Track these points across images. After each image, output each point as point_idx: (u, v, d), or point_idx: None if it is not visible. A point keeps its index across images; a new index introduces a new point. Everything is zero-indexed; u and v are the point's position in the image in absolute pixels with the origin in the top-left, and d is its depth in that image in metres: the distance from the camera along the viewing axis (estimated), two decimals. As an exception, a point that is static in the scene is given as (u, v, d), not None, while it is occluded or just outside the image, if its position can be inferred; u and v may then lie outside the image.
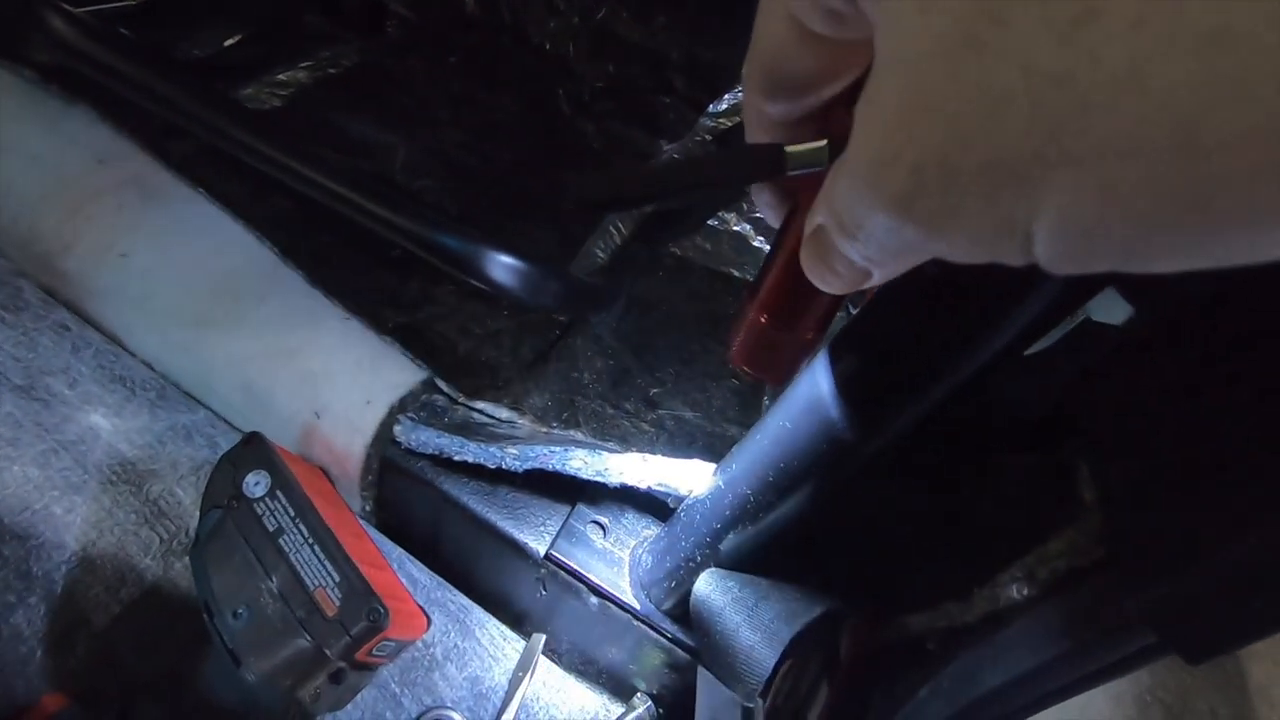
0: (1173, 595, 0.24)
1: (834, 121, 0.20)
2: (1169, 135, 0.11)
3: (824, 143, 0.19)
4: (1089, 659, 0.29)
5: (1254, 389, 0.25)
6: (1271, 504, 0.21)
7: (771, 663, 0.35)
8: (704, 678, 0.40)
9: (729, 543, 0.40)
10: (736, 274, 0.83)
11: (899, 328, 0.29)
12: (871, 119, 0.15)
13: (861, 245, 0.17)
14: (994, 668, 0.34)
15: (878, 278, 0.18)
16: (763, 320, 0.25)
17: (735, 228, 0.87)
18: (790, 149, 0.19)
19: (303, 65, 0.90)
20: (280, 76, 0.88)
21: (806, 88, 0.19)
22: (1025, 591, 0.34)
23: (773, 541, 0.39)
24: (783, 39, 0.18)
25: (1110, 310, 0.30)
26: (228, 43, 0.86)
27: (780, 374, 0.28)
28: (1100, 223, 0.12)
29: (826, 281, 0.19)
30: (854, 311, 0.32)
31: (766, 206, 0.24)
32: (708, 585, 0.41)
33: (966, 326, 0.26)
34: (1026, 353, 0.29)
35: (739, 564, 0.41)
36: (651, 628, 0.47)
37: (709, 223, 0.86)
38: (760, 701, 0.35)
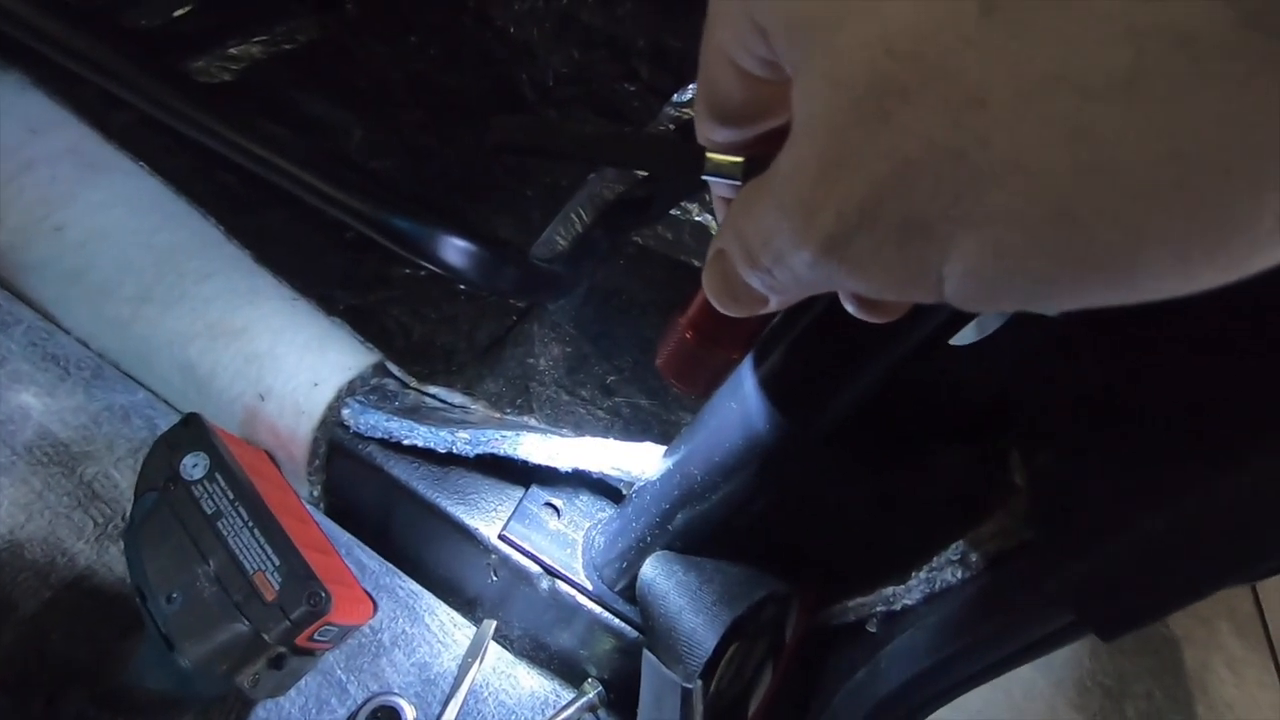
0: (1084, 574, 0.25)
1: (761, 146, 0.20)
2: (1049, 208, 0.13)
3: (741, 159, 0.20)
4: (1013, 638, 0.30)
5: (1173, 374, 0.26)
6: (1178, 485, 0.22)
7: (712, 644, 0.36)
8: (648, 661, 0.40)
9: (678, 523, 0.40)
10: (697, 263, 0.83)
11: (828, 320, 0.29)
12: (799, 166, 0.16)
13: (766, 275, 0.18)
14: (928, 648, 0.35)
15: (775, 304, 0.20)
16: (688, 336, 0.26)
17: (697, 218, 0.87)
18: (711, 155, 0.20)
19: (256, 39, 0.87)
20: (232, 50, 0.85)
21: (745, 119, 0.20)
22: (959, 574, 0.35)
23: (720, 523, 0.39)
24: (721, 73, 0.19)
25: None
26: (177, 12, 0.83)
27: (702, 387, 0.29)
28: (998, 275, 0.14)
29: (725, 305, 0.21)
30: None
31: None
32: (653, 569, 0.41)
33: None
34: (957, 343, 0.30)
35: (689, 545, 0.42)
36: (604, 607, 0.47)
37: (671, 212, 0.86)
38: (699, 683, 0.35)
